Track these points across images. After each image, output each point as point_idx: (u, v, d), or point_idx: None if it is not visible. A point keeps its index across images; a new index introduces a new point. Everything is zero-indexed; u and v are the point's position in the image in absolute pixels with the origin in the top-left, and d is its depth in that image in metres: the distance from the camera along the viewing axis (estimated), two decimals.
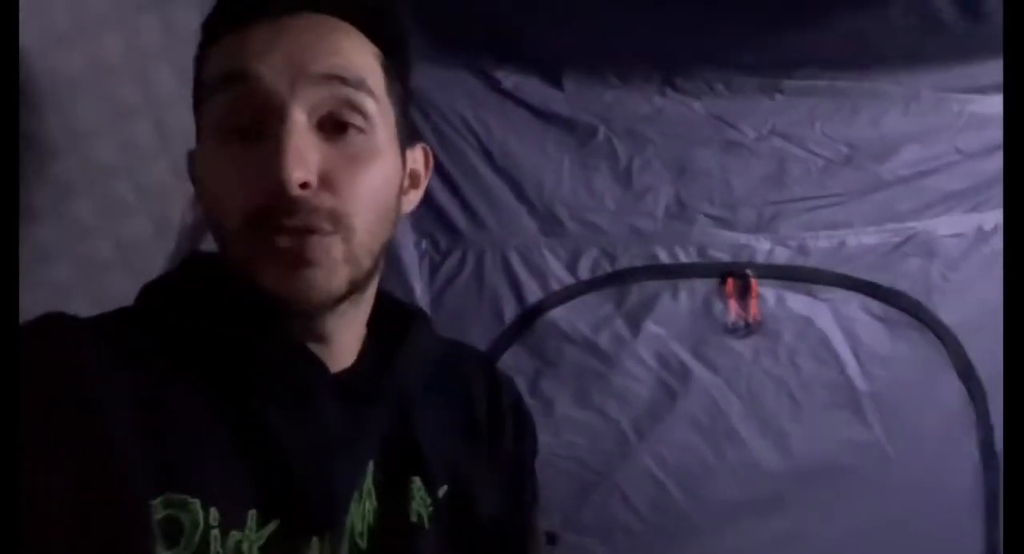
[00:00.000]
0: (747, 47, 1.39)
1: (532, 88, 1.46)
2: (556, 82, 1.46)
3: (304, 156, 0.57)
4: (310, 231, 0.58)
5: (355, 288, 0.63)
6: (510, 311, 1.45)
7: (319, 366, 0.63)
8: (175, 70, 1.33)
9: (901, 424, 1.45)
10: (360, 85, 0.61)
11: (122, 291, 1.31)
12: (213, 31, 0.64)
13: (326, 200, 0.58)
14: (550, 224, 1.46)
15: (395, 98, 0.66)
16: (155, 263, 1.34)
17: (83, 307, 0.62)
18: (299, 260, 0.58)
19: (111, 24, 1.20)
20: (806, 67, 1.43)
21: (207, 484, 0.56)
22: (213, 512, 0.55)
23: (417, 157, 0.72)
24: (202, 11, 1.36)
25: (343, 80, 0.60)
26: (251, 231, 0.59)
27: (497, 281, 1.45)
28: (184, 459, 0.56)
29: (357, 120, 0.61)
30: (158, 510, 0.54)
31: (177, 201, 1.38)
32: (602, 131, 1.47)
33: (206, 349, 0.60)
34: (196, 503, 0.55)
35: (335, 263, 0.59)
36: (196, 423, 0.58)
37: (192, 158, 0.70)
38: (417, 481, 0.69)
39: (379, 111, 0.63)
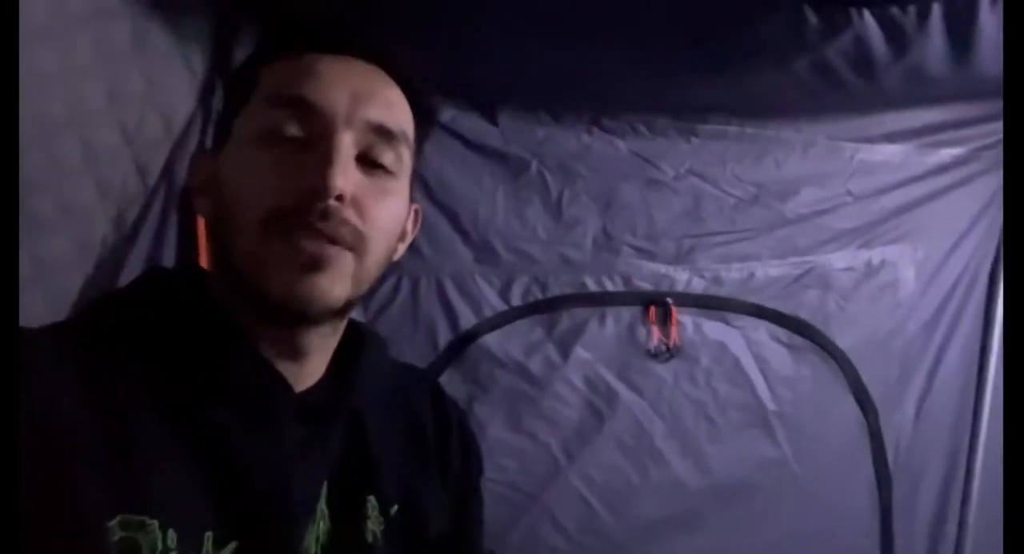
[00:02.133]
0: (666, 94, 1.45)
1: (468, 123, 1.48)
2: (491, 118, 1.49)
3: (348, 171, 0.61)
4: (333, 240, 0.61)
5: (346, 309, 0.66)
6: (444, 336, 1.45)
7: (283, 385, 0.63)
8: (105, 87, 1.29)
9: (805, 442, 1.52)
10: (402, 137, 0.67)
11: (37, 311, 1.23)
12: (277, 47, 0.67)
13: (352, 217, 0.62)
14: (484, 253, 1.48)
15: (415, 158, 0.72)
16: (74, 284, 1.27)
17: None
18: (316, 264, 0.60)
19: (43, 38, 1.16)
20: (718, 113, 1.52)
21: (165, 504, 0.54)
22: (171, 534, 0.53)
23: (410, 214, 0.75)
24: (134, 29, 1.33)
25: (390, 132, 0.65)
26: (272, 228, 0.60)
27: (431, 307, 1.45)
28: (142, 478, 0.54)
29: (390, 162, 0.66)
30: (115, 531, 0.51)
31: (100, 222, 1.32)
32: (535, 165, 1.50)
33: (166, 365, 0.58)
34: (154, 524, 0.52)
35: (344, 276, 0.62)
36: (154, 441, 0.56)
37: (199, 163, 0.72)
38: (372, 500, 0.68)
39: (406, 161, 0.68)
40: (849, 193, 1.59)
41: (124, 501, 0.52)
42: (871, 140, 1.57)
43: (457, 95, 1.47)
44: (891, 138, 1.57)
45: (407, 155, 0.68)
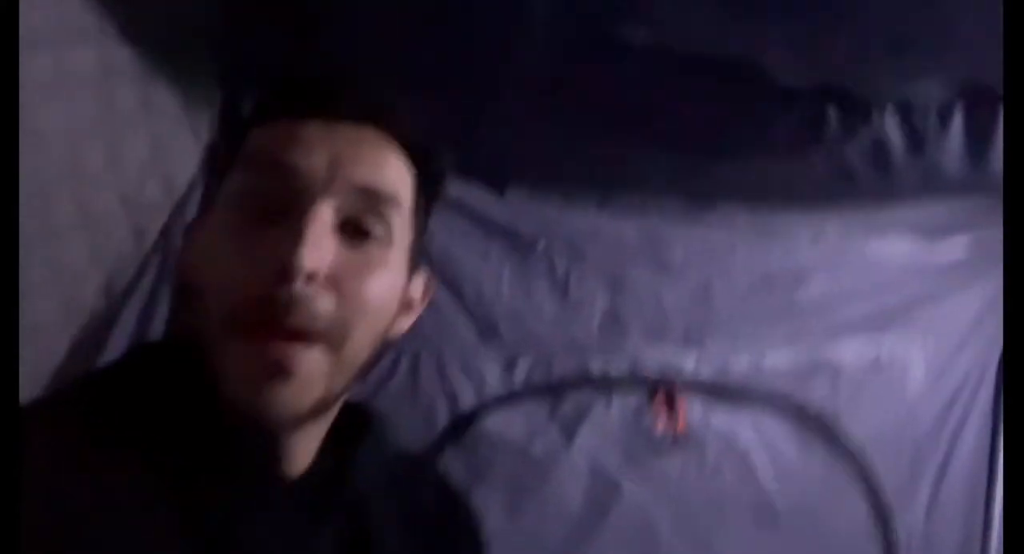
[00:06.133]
0: (679, 177, 1.45)
1: (476, 197, 1.46)
2: (500, 193, 1.48)
3: (321, 246, 0.54)
4: (303, 335, 0.53)
5: (324, 407, 0.58)
6: (443, 416, 1.39)
7: (275, 474, 0.58)
8: (107, 149, 1.26)
9: (813, 538, 1.46)
10: (392, 199, 0.59)
11: (23, 375, 1.16)
12: (265, 112, 0.61)
13: (328, 303, 0.54)
14: (487, 331, 1.43)
15: (417, 223, 0.64)
16: (59, 347, 1.21)
17: None
18: (281, 370, 0.53)
19: (46, 96, 1.13)
20: (730, 199, 1.51)
21: None
22: None
23: (417, 285, 0.68)
24: (141, 90, 1.31)
25: (378, 194, 0.58)
26: (235, 326, 0.53)
27: (431, 385, 1.39)
28: None
29: (379, 230, 0.58)
30: None
31: (90, 285, 1.27)
32: (542, 243, 1.48)
33: (151, 449, 0.53)
34: None
35: (315, 379, 0.54)
36: (141, 531, 0.50)
37: (190, 230, 0.66)
38: None
39: (401, 228, 0.60)
40: (858, 285, 1.57)
41: None
42: (881, 232, 1.57)
43: (465, 169, 1.45)
44: (901, 231, 1.57)
45: (403, 221, 0.60)
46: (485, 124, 1.37)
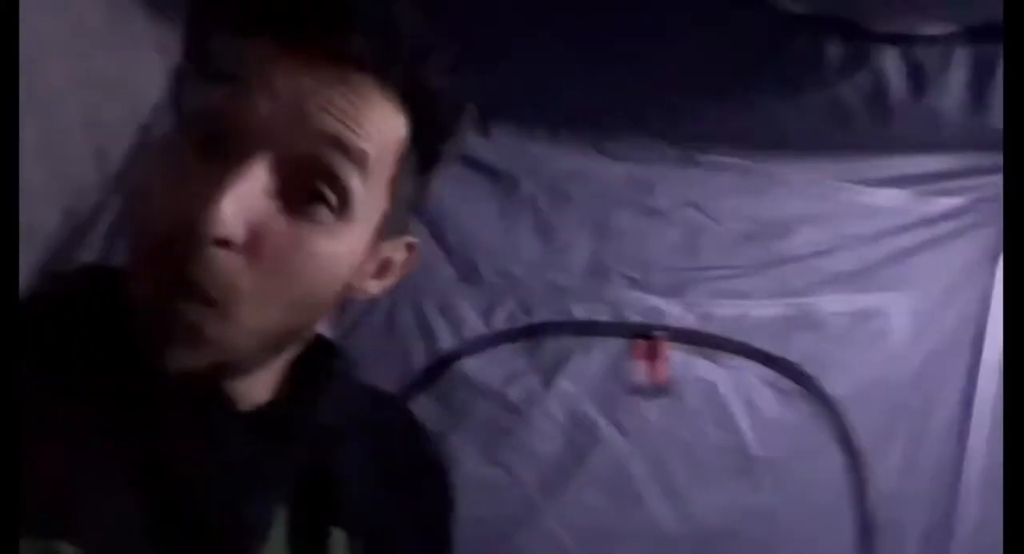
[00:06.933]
0: (670, 119, 1.41)
1: None
2: (484, 130, 1.42)
3: (241, 210, 0.46)
4: (200, 297, 0.48)
5: (229, 369, 0.53)
6: (419, 358, 1.36)
7: (225, 406, 0.54)
8: (72, 67, 1.20)
9: (790, 490, 1.46)
10: (359, 160, 0.50)
11: None
12: (236, 25, 0.52)
13: (240, 273, 0.48)
14: (468, 272, 1.40)
15: (400, 186, 0.55)
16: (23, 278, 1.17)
17: None
18: (162, 331, 0.48)
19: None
20: (722, 144, 1.47)
21: (88, 527, 0.45)
22: None
23: (398, 248, 0.60)
24: (108, 5, 1.24)
25: (343, 149, 0.49)
26: (152, 259, 0.49)
27: (408, 327, 1.37)
28: (61, 495, 0.45)
29: (331, 199, 0.50)
30: None
31: (50, 208, 1.22)
32: (526, 184, 1.44)
33: (97, 366, 0.50)
34: (70, 551, 0.43)
35: (199, 342, 0.49)
36: (79, 452, 0.48)
37: (148, 149, 0.62)
38: (337, 533, 0.60)
39: (366, 195, 0.52)
40: (846, 236, 1.54)
41: (35, 522, 0.43)
42: (872, 183, 1.54)
43: None
44: (892, 183, 1.54)
45: (373, 185, 0.52)
46: (469, 57, 1.31)
